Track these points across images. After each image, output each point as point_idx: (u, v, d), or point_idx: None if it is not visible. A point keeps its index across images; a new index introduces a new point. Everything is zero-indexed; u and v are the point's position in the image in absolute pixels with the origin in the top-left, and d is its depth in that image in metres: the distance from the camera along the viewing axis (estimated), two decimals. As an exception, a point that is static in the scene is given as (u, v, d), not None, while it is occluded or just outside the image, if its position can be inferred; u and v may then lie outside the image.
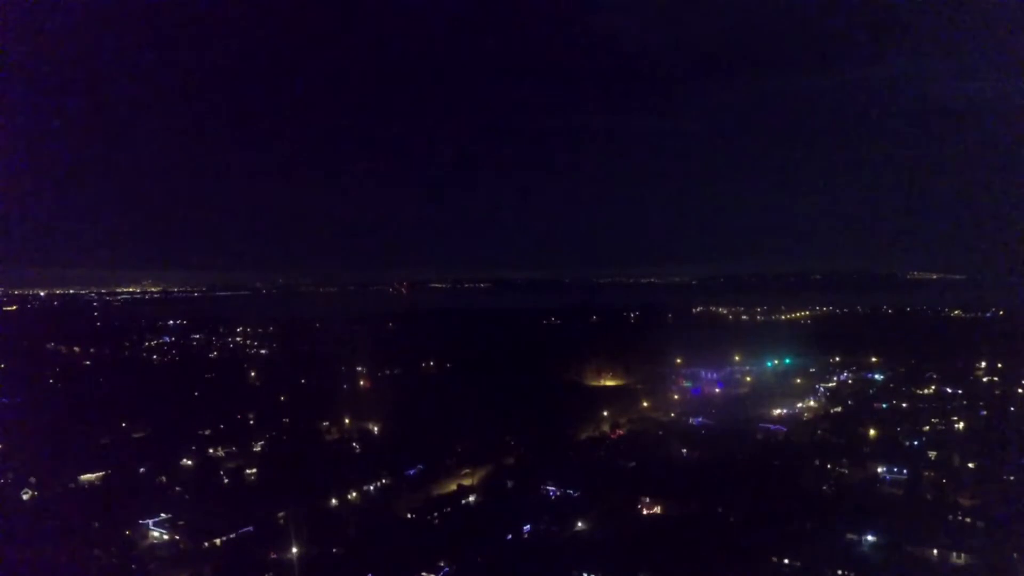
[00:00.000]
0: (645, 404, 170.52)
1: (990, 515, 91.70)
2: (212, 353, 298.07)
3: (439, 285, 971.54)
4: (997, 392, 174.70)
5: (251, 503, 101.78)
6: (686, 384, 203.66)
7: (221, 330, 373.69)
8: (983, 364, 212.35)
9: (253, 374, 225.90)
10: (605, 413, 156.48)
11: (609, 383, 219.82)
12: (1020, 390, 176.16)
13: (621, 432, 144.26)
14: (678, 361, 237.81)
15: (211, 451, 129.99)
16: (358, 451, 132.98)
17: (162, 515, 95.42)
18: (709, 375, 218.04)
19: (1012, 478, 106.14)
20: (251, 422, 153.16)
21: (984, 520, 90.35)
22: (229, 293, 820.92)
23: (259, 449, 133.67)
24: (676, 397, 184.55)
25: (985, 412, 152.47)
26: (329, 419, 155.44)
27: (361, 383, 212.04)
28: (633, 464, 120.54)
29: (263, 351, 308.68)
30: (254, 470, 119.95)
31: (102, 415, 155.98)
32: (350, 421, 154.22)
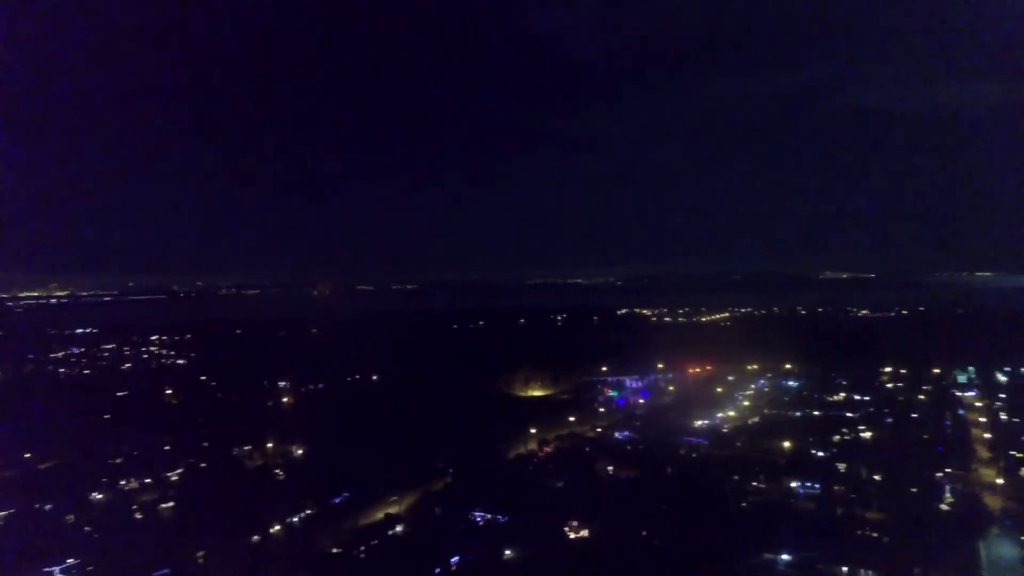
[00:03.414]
0: (572, 418, 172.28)
1: (895, 529, 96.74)
2: (125, 365, 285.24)
3: (366, 287, 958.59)
4: (901, 399, 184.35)
5: (167, 541, 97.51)
6: (612, 394, 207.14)
7: (135, 339, 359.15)
8: (888, 369, 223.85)
9: (169, 390, 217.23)
10: (533, 430, 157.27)
11: (537, 393, 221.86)
12: (921, 396, 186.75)
13: (549, 450, 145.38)
14: (604, 369, 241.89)
15: (123, 483, 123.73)
16: (282, 478, 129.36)
17: (69, 560, 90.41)
18: (634, 383, 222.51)
19: (915, 490, 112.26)
20: (167, 447, 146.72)
21: (889, 535, 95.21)
22: (143, 297, 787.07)
23: (176, 479, 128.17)
24: (602, 409, 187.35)
25: (890, 420, 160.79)
26: (251, 442, 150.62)
27: (284, 399, 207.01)
28: (561, 484, 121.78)
29: (180, 361, 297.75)
30: (170, 503, 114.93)
31: (3, 443, 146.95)
32: (273, 444, 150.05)
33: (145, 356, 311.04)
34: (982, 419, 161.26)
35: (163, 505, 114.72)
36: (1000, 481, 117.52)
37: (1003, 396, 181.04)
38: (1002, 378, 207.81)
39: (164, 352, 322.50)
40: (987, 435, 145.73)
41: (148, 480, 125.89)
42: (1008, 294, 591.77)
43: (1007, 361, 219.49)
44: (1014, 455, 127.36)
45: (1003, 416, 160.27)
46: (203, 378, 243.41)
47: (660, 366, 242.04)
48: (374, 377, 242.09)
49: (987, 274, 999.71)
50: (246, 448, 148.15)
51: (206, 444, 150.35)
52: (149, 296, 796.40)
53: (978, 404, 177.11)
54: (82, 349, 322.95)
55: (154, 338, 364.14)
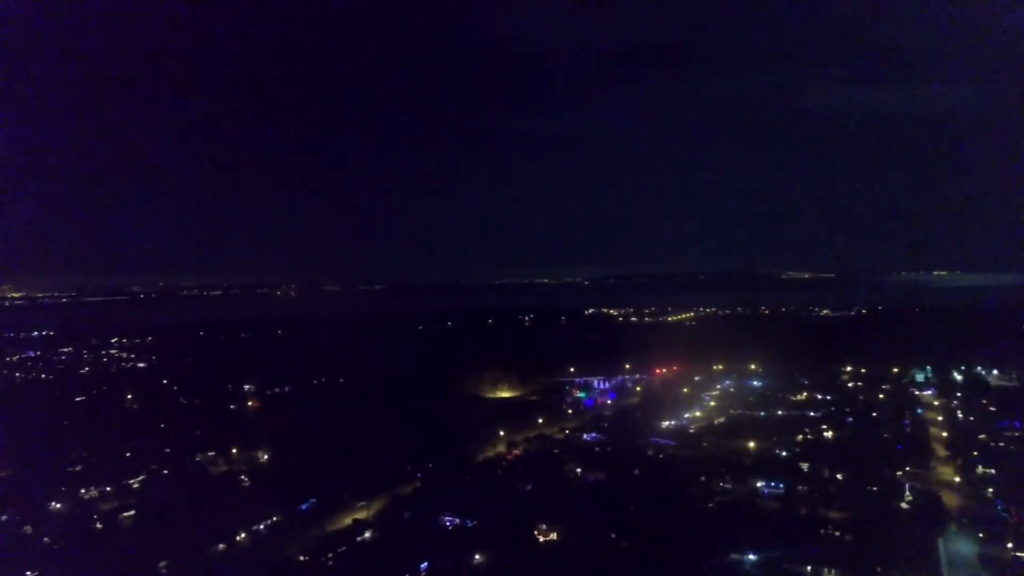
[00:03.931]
0: (540, 420, 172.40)
1: (857, 528, 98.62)
2: (83, 369, 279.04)
3: (332, 288, 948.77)
4: (861, 398, 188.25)
5: (129, 552, 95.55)
6: (580, 395, 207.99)
7: (94, 341, 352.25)
8: (849, 368, 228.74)
9: (130, 395, 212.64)
10: (502, 432, 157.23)
11: (505, 394, 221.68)
12: (881, 395, 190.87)
13: (518, 452, 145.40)
14: (571, 370, 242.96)
15: (83, 491, 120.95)
16: (247, 484, 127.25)
17: (28, 573, 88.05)
18: (601, 384, 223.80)
19: (876, 489, 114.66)
20: (128, 454, 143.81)
21: (852, 534, 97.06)
22: (102, 298, 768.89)
23: (138, 486, 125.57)
24: (570, 411, 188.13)
25: (851, 419, 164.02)
26: (215, 447, 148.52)
27: (249, 403, 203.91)
28: (530, 487, 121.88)
29: (141, 365, 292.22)
30: (132, 512, 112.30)
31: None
32: (237, 449, 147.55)
33: (104, 359, 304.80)
34: (939, 418, 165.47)
35: (124, 514, 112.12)
36: (957, 479, 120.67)
37: (959, 395, 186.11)
38: (958, 377, 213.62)
39: (124, 355, 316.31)
40: (944, 434, 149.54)
41: (109, 488, 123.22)
42: (962, 293, 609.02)
43: (962, 360, 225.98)
44: (970, 453, 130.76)
45: (959, 415, 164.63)
46: (165, 382, 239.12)
47: (627, 366, 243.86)
48: (341, 380, 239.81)
49: (943, 273, 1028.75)
50: (210, 454, 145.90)
51: (168, 450, 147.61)
52: (108, 297, 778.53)
53: (936, 403, 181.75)
54: (38, 353, 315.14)
55: (114, 341, 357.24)
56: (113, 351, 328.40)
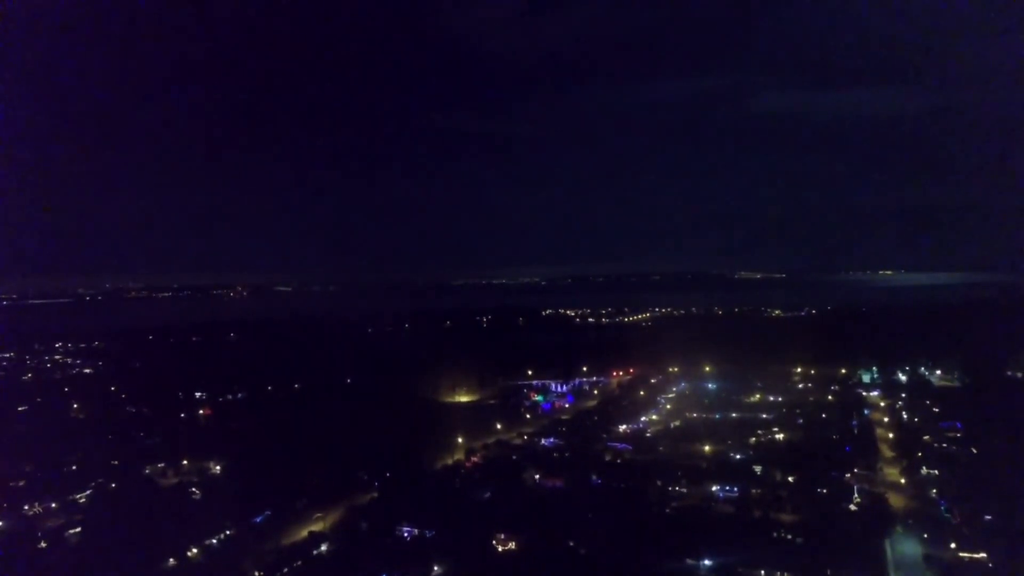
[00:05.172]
0: (498, 425, 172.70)
1: (807, 531, 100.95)
2: (26, 376, 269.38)
3: (284, 288, 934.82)
4: (811, 399, 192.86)
5: (75, 571, 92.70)
6: (537, 399, 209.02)
7: (36, 347, 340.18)
8: (799, 369, 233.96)
9: (75, 404, 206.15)
10: (460, 438, 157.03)
11: (463, 399, 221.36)
12: (830, 397, 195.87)
13: (476, 459, 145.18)
14: (529, 373, 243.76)
15: (26, 508, 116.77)
16: (198, 497, 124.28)
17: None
18: (559, 388, 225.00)
19: (825, 491, 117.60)
20: (74, 467, 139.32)
21: (803, 536, 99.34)
22: (45, 301, 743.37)
23: (84, 501, 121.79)
24: (528, 415, 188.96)
25: (802, 421, 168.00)
26: (165, 458, 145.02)
27: (201, 411, 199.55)
28: (488, 495, 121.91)
29: (87, 371, 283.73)
30: (78, 529, 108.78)
31: None
32: (189, 460, 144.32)
33: (48, 366, 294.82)
34: (885, 419, 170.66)
35: (71, 531, 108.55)
36: (903, 481, 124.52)
37: (904, 395, 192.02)
38: (902, 377, 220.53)
39: (69, 361, 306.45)
40: (890, 435, 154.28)
41: (53, 504, 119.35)
42: (907, 292, 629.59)
43: (907, 360, 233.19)
44: (915, 455, 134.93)
45: (904, 416, 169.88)
46: (112, 389, 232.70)
47: (584, 369, 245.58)
48: (296, 385, 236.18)
49: (889, 273, 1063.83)
50: (160, 465, 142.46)
51: (116, 462, 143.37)
52: (51, 300, 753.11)
53: (882, 404, 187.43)
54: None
55: (58, 346, 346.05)
56: (57, 357, 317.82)
